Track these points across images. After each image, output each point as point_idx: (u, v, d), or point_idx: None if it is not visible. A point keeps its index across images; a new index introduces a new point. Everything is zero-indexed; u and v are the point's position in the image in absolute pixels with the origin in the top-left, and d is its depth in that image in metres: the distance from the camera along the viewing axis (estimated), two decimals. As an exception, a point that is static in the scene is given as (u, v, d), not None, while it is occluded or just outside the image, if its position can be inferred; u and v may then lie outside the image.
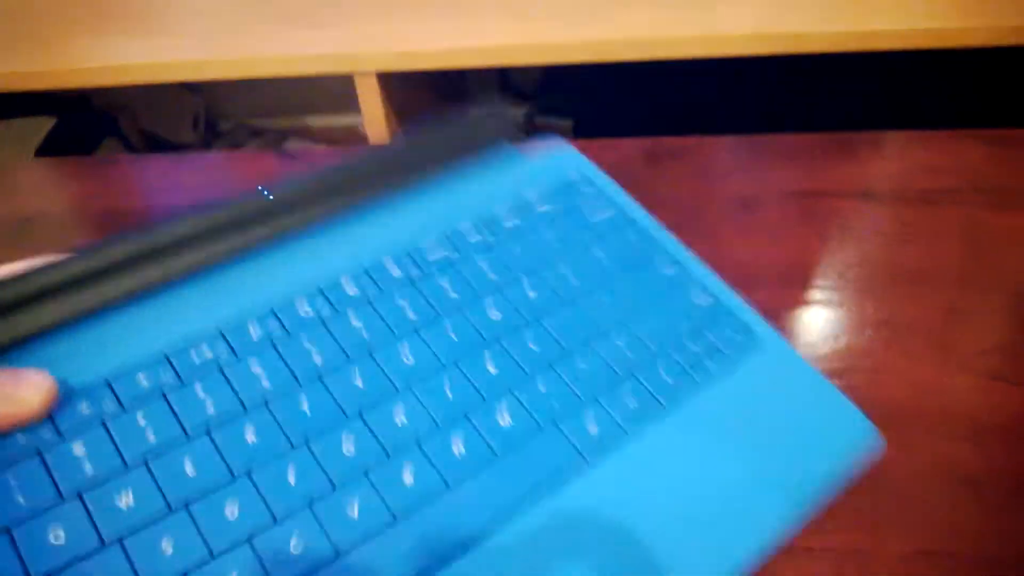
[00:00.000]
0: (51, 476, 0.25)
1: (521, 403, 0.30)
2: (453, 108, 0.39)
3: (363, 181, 0.35)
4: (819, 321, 0.41)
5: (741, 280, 0.42)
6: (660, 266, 0.36)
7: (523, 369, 0.31)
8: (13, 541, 0.23)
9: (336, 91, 1.43)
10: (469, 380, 0.30)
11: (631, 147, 0.54)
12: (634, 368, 0.32)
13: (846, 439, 0.31)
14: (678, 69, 0.80)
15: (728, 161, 0.53)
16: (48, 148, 1.26)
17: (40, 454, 0.25)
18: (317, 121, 1.61)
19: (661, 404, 0.31)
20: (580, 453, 0.29)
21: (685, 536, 0.27)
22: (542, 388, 0.30)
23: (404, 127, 0.99)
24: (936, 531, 0.32)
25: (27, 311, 0.28)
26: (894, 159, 0.53)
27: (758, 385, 0.32)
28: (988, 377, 0.38)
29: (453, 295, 0.33)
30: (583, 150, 0.53)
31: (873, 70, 1.01)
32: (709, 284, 0.35)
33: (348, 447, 0.27)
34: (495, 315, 0.32)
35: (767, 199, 0.49)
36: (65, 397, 0.26)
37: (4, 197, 0.50)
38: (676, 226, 0.47)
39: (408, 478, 0.27)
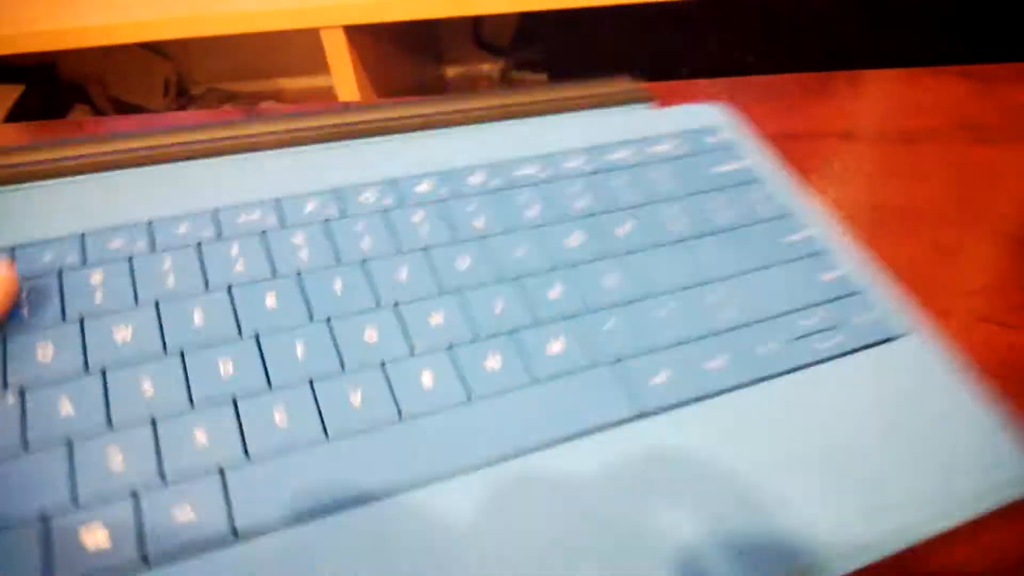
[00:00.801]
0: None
1: (578, 336, 0.28)
2: (426, 65, 0.37)
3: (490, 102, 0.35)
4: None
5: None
6: (785, 231, 0.32)
7: (588, 302, 0.29)
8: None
9: (308, 53, 1.40)
10: (526, 300, 0.29)
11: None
12: (724, 327, 0.29)
13: (991, 467, 0.26)
14: (651, 15, 0.78)
15: None
16: (16, 116, 1.23)
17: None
18: (290, 84, 1.57)
19: (745, 372, 0.28)
20: (633, 397, 0.27)
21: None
22: (608, 326, 0.28)
23: (376, 87, 0.96)
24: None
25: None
26: (874, 98, 0.51)
27: (880, 378, 0.28)
28: (974, 318, 0.37)
29: (529, 213, 0.31)
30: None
31: (849, 6, 0.99)
32: (846, 263, 0.31)
33: (371, 335, 0.27)
34: (573, 242, 0.30)
35: None
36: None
37: None
38: None
39: (428, 382, 0.26)
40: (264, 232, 0.29)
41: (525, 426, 0.25)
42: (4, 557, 0.21)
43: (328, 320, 0.27)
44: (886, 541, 0.24)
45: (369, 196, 0.31)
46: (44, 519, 0.22)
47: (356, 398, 0.25)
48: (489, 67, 1.46)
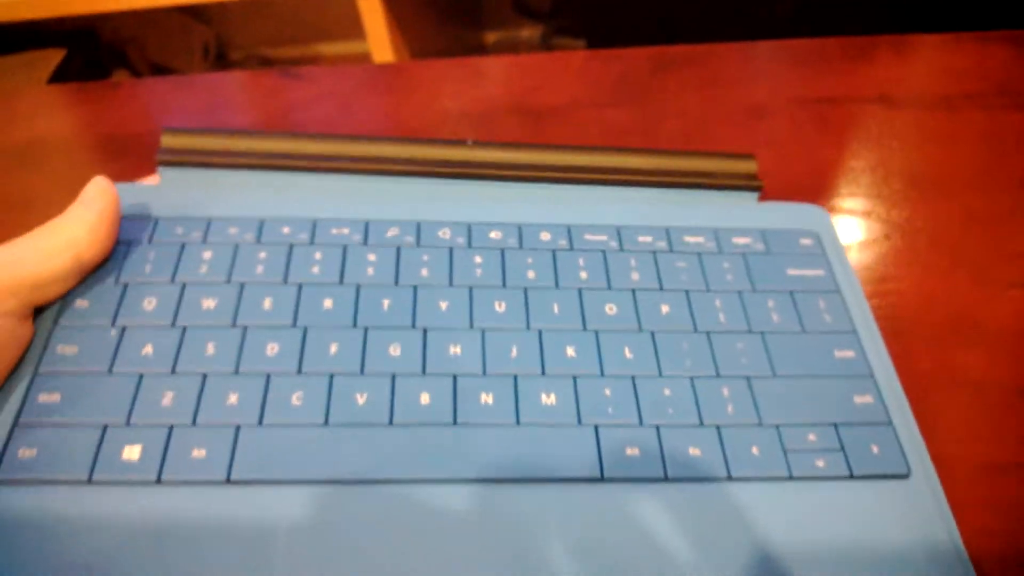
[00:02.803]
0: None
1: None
2: (464, 30, 0.37)
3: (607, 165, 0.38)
4: (841, 215, 0.40)
5: (761, 168, 0.41)
6: (834, 344, 0.32)
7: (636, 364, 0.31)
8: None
9: (346, 18, 1.40)
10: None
11: (637, 56, 0.52)
12: (729, 420, 0.30)
13: None
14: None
15: (738, 68, 0.51)
16: (58, 79, 1.26)
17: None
18: (328, 49, 1.58)
19: (738, 467, 0.28)
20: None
21: None
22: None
23: (412, 51, 0.96)
24: (939, 435, 0.31)
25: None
26: (914, 63, 0.50)
27: (876, 511, 0.28)
28: (1005, 285, 0.37)
29: (583, 276, 0.33)
30: (587, 60, 0.52)
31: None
32: (883, 391, 0.31)
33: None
34: (610, 310, 0.32)
35: (778, 106, 0.47)
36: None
37: (13, 120, 0.49)
38: (683, 135, 0.46)
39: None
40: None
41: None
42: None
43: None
44: None
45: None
46: None
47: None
48: (528, 33, 1.45)
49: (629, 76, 0.50)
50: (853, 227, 0.40)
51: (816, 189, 0.42)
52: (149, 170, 0.37)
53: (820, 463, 0.29)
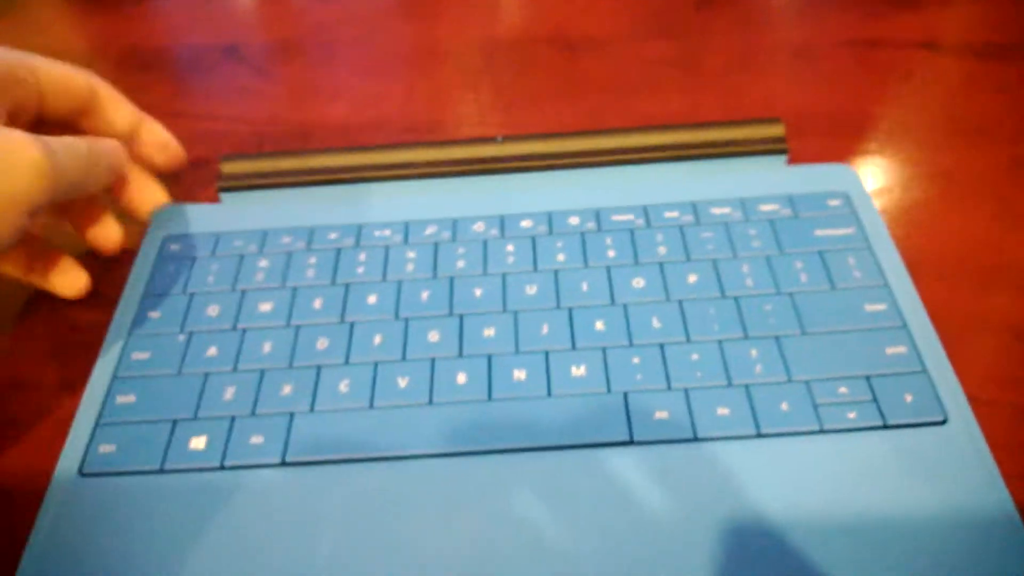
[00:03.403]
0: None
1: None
2: None
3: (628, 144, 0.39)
4: (871, 171, 0.39)
5: (790, 128, 0.40)
6: (865, 299, 0.32)
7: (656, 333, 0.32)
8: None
9: None
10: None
11: None
12: (757, 378, 0.30)
13: (1003, 573, 0.26)
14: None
15: (784, 8, 0.50)
16: None
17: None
18: None
19: (768, 424, 0.29)
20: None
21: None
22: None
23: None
24: (981, 380, 0.31)
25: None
26: (961, 9, 0.49)
27: (915, 461, 0.28)
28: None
29: (611, 254, 0.35)
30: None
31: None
32: (917, 340, 0.31)
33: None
34: (637, 283, 0.34)
35: (822, 47, 0.47)
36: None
37: (33, 32, 0.51)
38: (723, 73, 0.46)
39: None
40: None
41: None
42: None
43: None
44: None
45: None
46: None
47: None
48: None
49: (672, 9, 0.50)
50: (896, 172, 0.39)
51: (857, 133, 0.42)
52: (172, 86, 0.39)
53: (852, 415, 0.29)
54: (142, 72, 0.48)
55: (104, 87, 0.35)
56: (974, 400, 0.29)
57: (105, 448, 0.29)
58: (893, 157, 0.40)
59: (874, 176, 0.39)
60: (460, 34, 0.49)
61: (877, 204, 0.38)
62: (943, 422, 0.29)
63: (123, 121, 0.35)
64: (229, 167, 0.39)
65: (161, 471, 0.29)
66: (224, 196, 0.38)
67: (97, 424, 0.30)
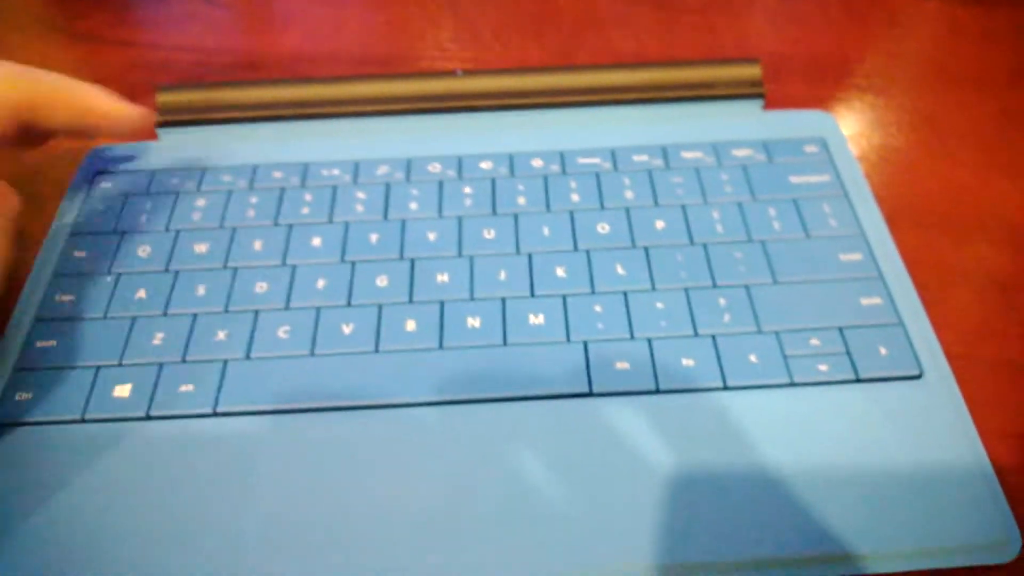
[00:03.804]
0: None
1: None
2: None
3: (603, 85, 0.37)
4: (851, 117, 0.38)
5: (772, 71, 0.39)
6: (840, 248, 0.31)
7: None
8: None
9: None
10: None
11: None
12: (729, 329, 0.28)
13: (978, 530, 0.24)
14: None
15: None
16: None
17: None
18: None
19: (737, 377, 0.27)
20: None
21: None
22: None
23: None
24: (960, 333, 0.29)
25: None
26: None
27: (889, 416, 0.26)
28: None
29: (575, 198, 0.33)
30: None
31: None
32: (893, 292, 0.29)
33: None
34: (602, 228, 0.32)
35: None
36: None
37: None
38: (700, 7, 0.43)
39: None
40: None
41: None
42: None
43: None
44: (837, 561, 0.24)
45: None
46: None
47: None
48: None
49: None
50: (876, 119, 0.37)
51: (837, 78, 0.40)
52: (113, 13, 0.35)
53: (823, 367, 0.27)
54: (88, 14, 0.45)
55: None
56: (951, 354, 0.28)
57: (22, 396, 0.27)
58: (874, 104, 0.38)
59: (853, 123, 0.38)
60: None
61: (856, 151, 0.36)
62: (918, 376, 0.27)
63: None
64: (167, 98, 0.36)
65: (82, 420, 0.26)
66: (161, 132, 0.36)
67: (14, 370, 0.28)
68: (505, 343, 0.28)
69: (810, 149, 0.34)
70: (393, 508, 0.24)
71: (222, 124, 0.36)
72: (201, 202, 0.33)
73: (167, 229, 0.32)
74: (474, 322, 0.29)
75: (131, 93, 0.34)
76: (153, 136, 0.36)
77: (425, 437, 0.26)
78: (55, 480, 0.25)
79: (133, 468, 0.25)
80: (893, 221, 0.32)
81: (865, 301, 0.29)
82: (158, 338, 0.28)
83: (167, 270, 0.30)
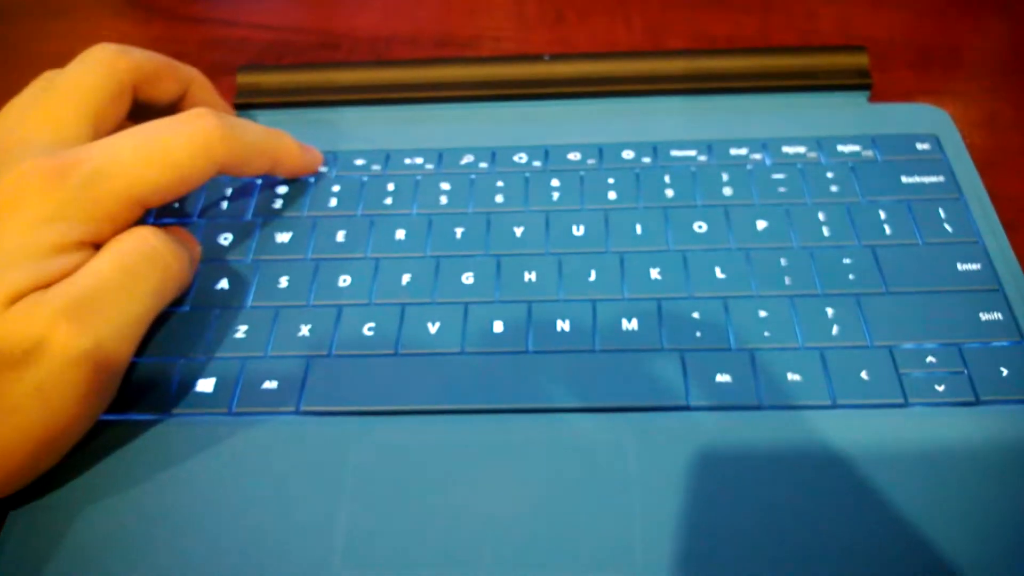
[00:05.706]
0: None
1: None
2: None
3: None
4: (968, 111, 0.35)
5: (877, 59, 0.36)
6: (957, 256, 0.29)
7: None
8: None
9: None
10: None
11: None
12: (853, 345, 0.26)
13: None
14: None
15: None
16: None
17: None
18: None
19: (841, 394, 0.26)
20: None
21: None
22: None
23: None
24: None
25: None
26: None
27: (1006, 441, 0.24)
28: None
29: (669, 194, 0.31)
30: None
31: None
32: (1014, 307, 0.27)
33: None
34: (698, 227, 0.30)
35: None
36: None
37: None
38: None
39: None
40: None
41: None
42: None
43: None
44: None
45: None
46: None
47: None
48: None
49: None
50: (992, 115, 0.35)
51: (949, 68, 0.37)
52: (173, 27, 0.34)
53: (940, 387, 0.25)
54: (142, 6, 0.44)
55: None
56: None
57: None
58: (990, 98, 0.36)
59: (967, 118, 0.35)
60: None
61: (970, 150, 0.34)
62: None
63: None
64: (246, 78, 0.35)
65: (168, 414, 0.26)
66: (239, 114, 0.35)
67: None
68: (595, 349, 0.27)
69: (922, 147, 0.32)
70: (487, 522, 0.23)
71: (301, 108, 0.35)
72: (282, 189, 0.32)
73: (251, 217, 0.31)
74: (563, 325, 0.27)
75: (210, 72, 0.33)
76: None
77: (517, 446, 0.25)
78: (139, 475, 0.25)
79: (215, 465, 0.25)
80: (1013, 229, 0.30)
81: (985, 316, 0.27)
82: (241, 331, 0.28)
83: (250, 262, 0.30)
